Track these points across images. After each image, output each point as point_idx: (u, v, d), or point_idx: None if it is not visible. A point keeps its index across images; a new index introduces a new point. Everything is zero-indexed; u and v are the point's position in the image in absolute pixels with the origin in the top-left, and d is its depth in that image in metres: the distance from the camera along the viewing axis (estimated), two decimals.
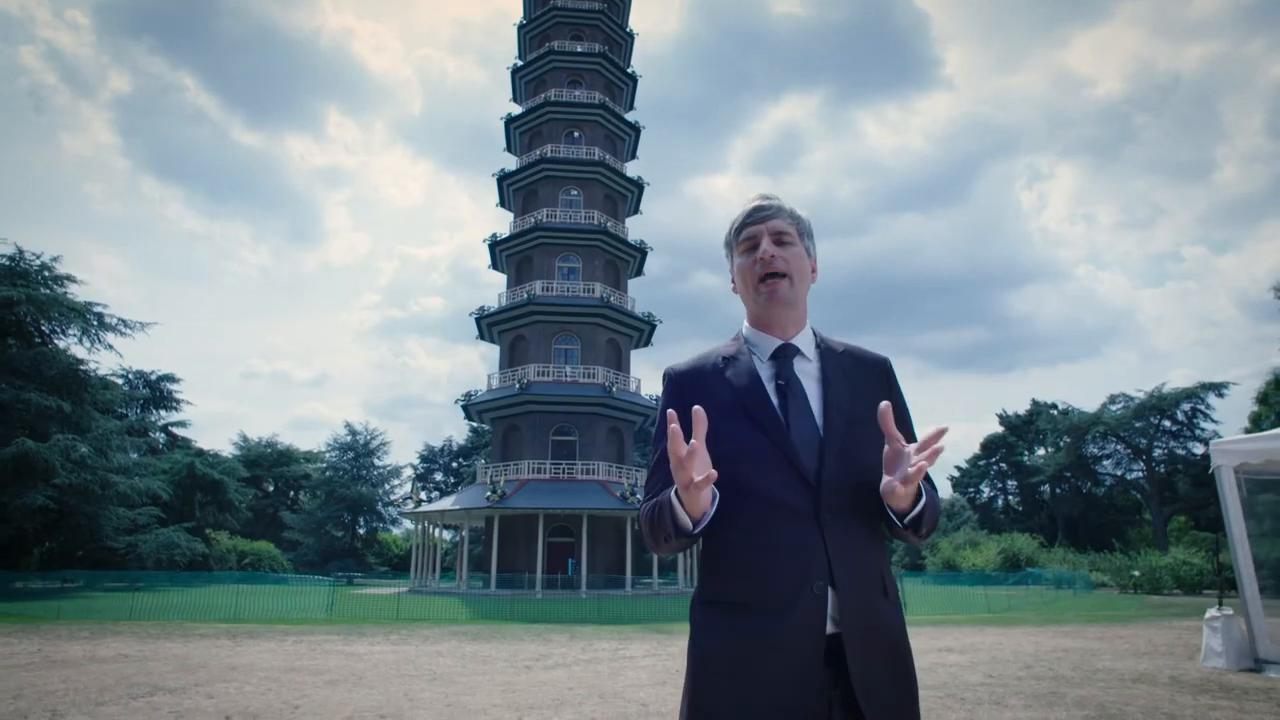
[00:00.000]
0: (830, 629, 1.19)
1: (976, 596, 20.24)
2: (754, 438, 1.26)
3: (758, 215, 1.38)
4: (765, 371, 1.34)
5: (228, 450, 49.36)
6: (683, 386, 1.36)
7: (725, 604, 1.24)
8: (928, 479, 1.25)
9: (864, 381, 1.35)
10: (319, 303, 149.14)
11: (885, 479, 1.17)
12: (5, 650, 8.73)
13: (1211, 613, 7.53)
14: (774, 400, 1.29)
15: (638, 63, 40.09)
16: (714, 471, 1.10)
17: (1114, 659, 8.35)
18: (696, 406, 1.13)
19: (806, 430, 1.26)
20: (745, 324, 1.43)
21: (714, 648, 1.23)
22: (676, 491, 1.16)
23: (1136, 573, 27.62)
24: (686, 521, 1.15)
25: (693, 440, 1.11)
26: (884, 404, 1.17)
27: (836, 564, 1.19)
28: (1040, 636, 11.00)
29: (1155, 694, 6.06)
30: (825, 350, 1.38)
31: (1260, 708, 5.42)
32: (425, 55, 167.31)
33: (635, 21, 40.95)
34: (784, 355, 1.34)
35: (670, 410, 1.15)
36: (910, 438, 1.34)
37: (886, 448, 1.18)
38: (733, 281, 1.44)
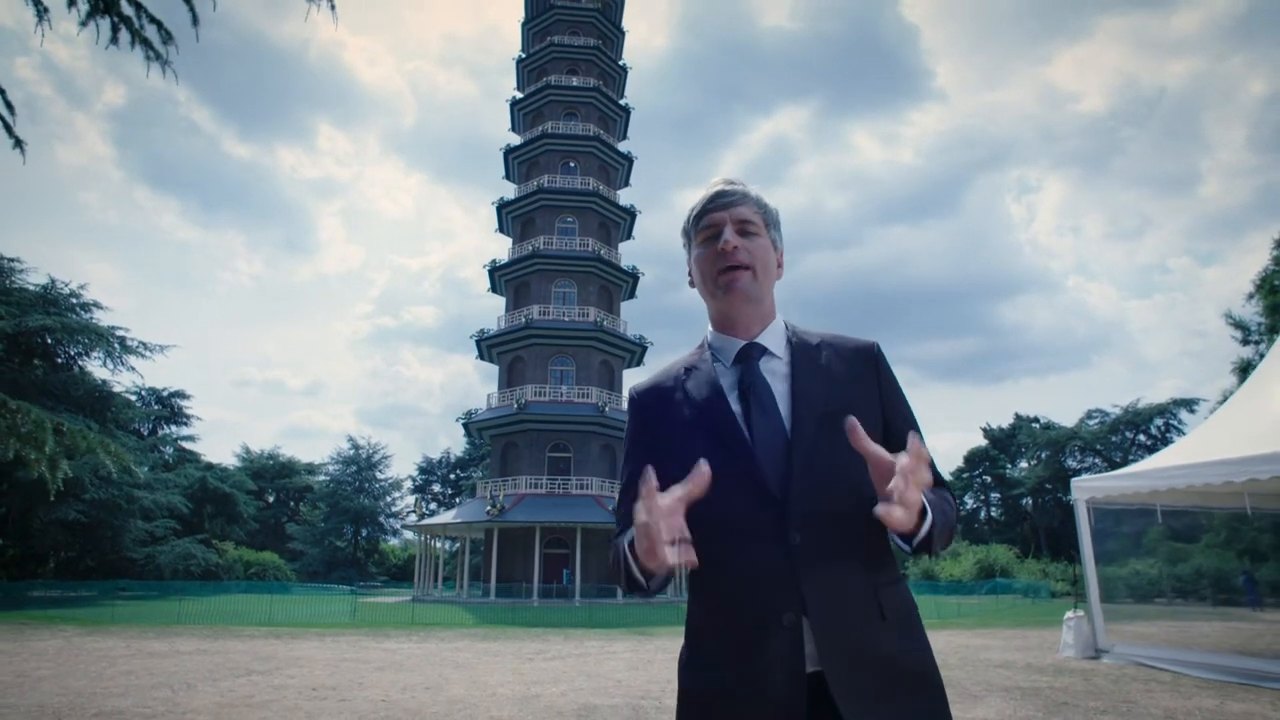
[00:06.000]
0: (812, 666, 1.04)
1: (928, 603, 22.26)
2: (714, 456, 1.06)
3: (720, 201, 1.25)
4: (728, 378, 1.21)
5: (230, 461, 51.44)
6: (642, 409, 1.27)
7: (699, 646, 1.15)
8: (936, 484, 1.10)
9: (844, 371, 1.20)
10: (313, 312, 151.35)
11: (878, 505, 0.95)
12: (103, 646, 10.68)
13: (1069, 614, 9.57)
14: (736, 409, 1.16)
15: (630, 78, 42.56)
16: (673, 559, 0.91)
17: (999, 652, 10.39)
18: (647, 467, 0.96)
19: (772, 437, 1.12)
20: (709, 328, 1.31)
21: (692, 696, 1.13)
22: (632, 541, 1.01)
23: None
24: (640, 578, 1.04)
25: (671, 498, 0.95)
26: (849, 419, 0.98)
27: (809, 588, 1.04)
28: (959, 637, 13.02)
29: (1001, 673, 8.09)
30: (798, 344, 1.24)
31: (1065, 680, 7.45)
32: (416, 69, 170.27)
33: (627, 34, 43.37)
34: (748, 356, 1.21)
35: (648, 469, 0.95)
36: (911, 426, 1.19)
37: (870, 467, 0.99)
38: (689, 275, 1.32)
